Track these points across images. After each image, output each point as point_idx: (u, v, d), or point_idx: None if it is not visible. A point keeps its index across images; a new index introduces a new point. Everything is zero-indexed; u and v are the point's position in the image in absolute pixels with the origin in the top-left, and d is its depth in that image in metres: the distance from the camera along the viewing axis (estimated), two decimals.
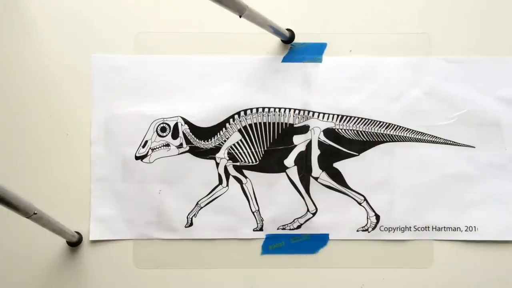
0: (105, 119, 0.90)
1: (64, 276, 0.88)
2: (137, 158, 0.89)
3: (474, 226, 0.88)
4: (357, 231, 0.89)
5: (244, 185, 0.89)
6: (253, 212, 0.89)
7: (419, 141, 0.89)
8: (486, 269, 0.88)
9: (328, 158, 0.89)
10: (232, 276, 0.89)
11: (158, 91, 0.90)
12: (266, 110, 0.89)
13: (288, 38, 0.89)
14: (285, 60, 0.90)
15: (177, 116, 0.89)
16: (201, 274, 0.89)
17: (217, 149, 0.89)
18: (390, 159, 0.89)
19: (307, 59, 0.90)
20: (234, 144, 0.89)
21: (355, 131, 0.89)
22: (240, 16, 0.71)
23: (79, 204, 0.89)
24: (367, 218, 0.89)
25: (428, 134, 0.89)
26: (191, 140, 0.89)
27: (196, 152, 0.90)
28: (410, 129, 0.89)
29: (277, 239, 0.89)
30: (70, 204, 0.89)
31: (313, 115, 0.89)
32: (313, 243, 0.89)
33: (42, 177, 0.89)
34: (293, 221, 0.89)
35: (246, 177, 0.90)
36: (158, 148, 0.89)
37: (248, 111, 0.89)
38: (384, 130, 0.89)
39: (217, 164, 0.89)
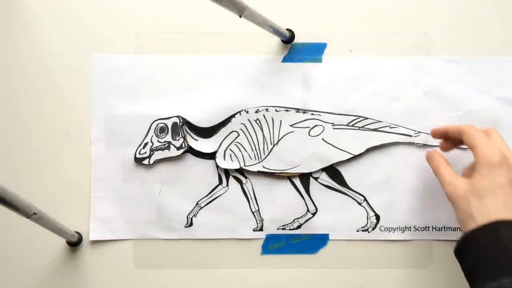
0: (105, 119, 0.90)
1: (64, 276, 0.88)
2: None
3: None
4: (357, 231, 0.89)
5: (244, 185, 0.90)
6: (253, 212, 0.89)
7: (420, 141, 0.89)
8: None
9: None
10: (232, 276, 0.89)
11: (158, 91, 0.90)
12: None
13: (288, 38, 0.89)
14: (285, 60, 0.90)
15: (176, 116, 0.89)
16: (201, 274, 0.89)
17: None
18: (390, 159, 0.89)
19: (307, 59, 0.90)
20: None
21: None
22: (240, 16, 0.71)
23: (79, 204, 0.89)
24: (367, 218, 0.89)
25: (428, 134, 0.89)
26: (191, 140, 0.89)
27: (196, 152, 0.89)
28: (410, 129, 0.89)
29: (277, 239, 0.89)
30: (70, 204, 0.89)
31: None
32: (313, 243, 0.89)
33: (42, 177, 0.89)
34: (293, 221, 0.89)
35: (246, 177, 0.90)
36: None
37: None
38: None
39: (217, 164, 0.89)
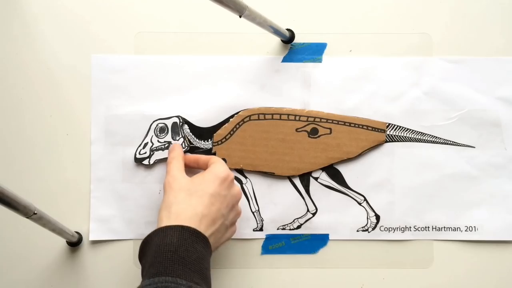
0: (105, 119, 0.90)
1: (64, 276, 0.88)
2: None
3: (474, 226, 0.88)
4: (357, 231, 0.89)
5: (244, 185, 0.89)
6: (253, 212, 0.89)
7: (419, 141, 0.89)
8: (486, 269, 0.88)
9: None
10: (232, 276, 0.89)
11: (158, 91, 0.90)
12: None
13: (288, 38, 0.89)
14: (285, 60, 0.90)
15: (176, 116, 0.89)
16: None
17: None
18: (390, 159, 0.89)
19: (307, 59, 0.90)
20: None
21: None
22: (240, 16, 0.71)
23: (79, 204, 0.89)
24: (367, 218, 0.89)
25: (428, 134, 0.89)
26: (191, 140, 0.89)
27: (196, 152, 0.89)
28: (410, 129, 0.89)
29: (277, 239, 0.89)
30: (70, 204, 0.89)
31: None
32: (313, 243, 0.89)
33: (42, 177, 0.89)
34: (293, 221, 0.89)
35: (246, 177, 0.90)
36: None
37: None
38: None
39: None
